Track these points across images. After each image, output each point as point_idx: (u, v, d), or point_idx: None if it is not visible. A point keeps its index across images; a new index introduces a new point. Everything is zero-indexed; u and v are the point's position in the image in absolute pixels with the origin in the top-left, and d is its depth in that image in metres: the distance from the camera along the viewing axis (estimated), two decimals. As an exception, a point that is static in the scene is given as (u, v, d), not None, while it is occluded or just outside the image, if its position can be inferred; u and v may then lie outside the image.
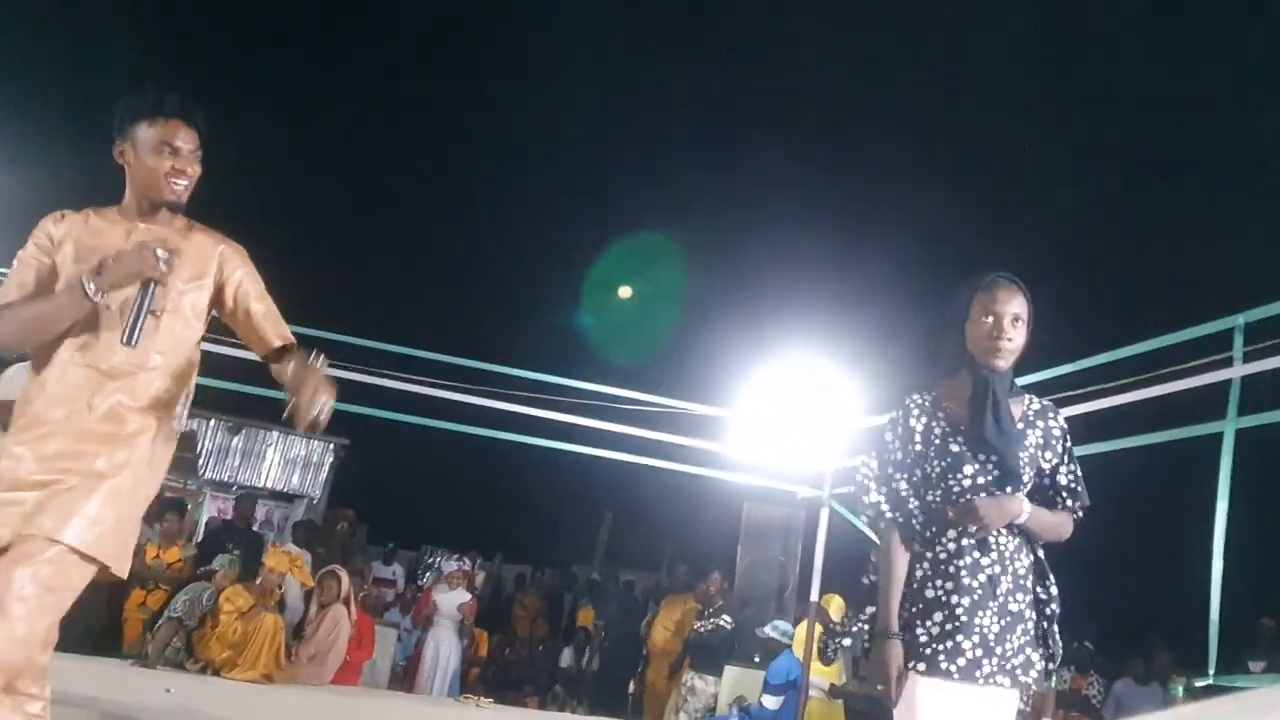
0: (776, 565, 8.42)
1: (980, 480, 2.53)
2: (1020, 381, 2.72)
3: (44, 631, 2.29)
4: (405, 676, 9.26)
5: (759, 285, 15.69)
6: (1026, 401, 2.67)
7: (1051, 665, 2.56)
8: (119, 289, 2.49)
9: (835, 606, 7.25)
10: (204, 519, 12.70)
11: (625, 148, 16.15)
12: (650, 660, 8.91)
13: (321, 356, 2.59)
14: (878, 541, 2.63)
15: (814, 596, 7.15)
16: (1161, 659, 8.41)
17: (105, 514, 2.38)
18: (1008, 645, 2.46)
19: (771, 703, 6.87)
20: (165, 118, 2.55)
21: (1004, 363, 2.58)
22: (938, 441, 2.58)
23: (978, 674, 2.42)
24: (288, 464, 14.29)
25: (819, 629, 7.05)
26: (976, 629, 2.44)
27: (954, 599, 2.47)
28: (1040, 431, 2.62)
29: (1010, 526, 2.53)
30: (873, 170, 15.04)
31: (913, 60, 14.81)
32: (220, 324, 2.80)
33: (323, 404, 2.45)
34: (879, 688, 2.48)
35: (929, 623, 2.47)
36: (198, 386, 2.76)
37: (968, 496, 2.52)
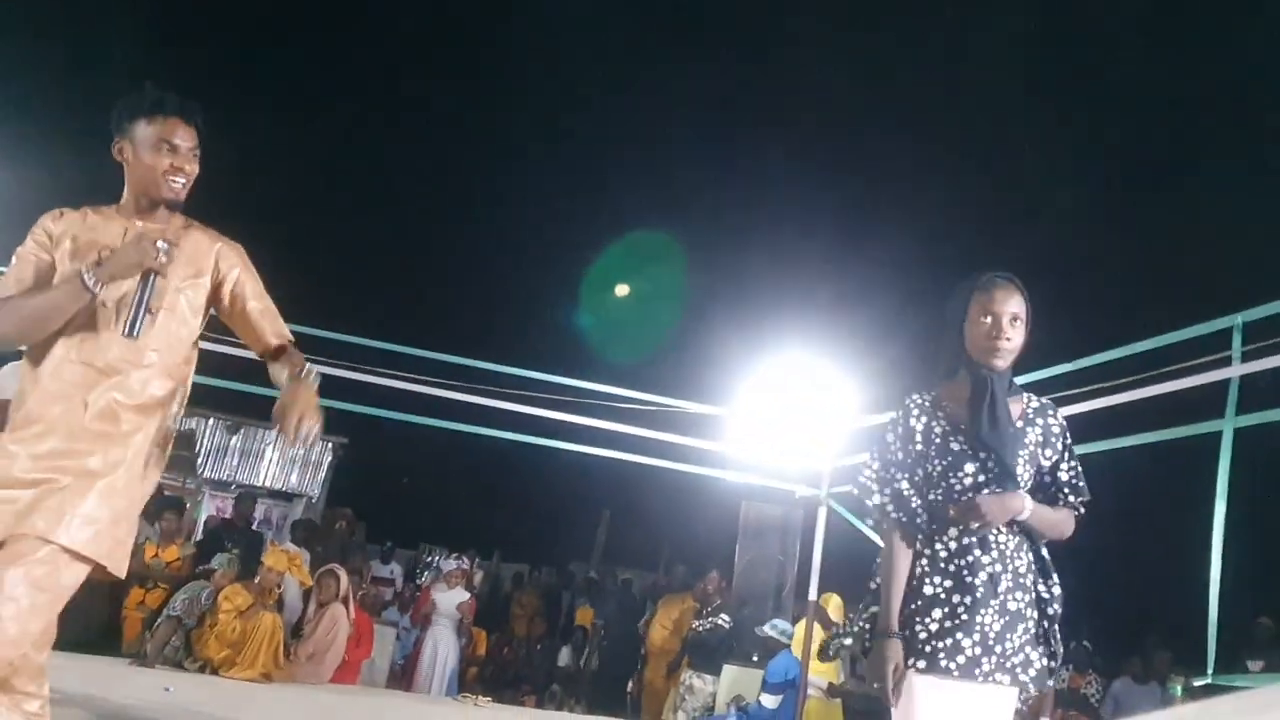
0: (774, 564, 8.42)
1: (981, 478, 2.54)
2: (1019, 381, 2.73)
3: (36, 631, 2.29)
4: (403, 675, 9.26)
5: (758, 284, 15.69)
6: (1025, 400, 2.68)
7: (1053, 664, 2.56)
8: (119, 280, 2.49)
9: (833, 605, 7.25)
10: (203, 518, 12.70)
11: (625, 148, 16.15)
12: (648, 659, 8.91)
13: (314, 372, 2.58)
14: (880, 543, 2.64)
15: (812, 595, 7.16)
16: (1160, 658, 8.42)
17: (100, 513, 2.37)
18: (1008, 644, 2.46)
19: (770, 701, 6.87)
20: (164, 115, 2.55)
21: (1003, 362, 2.59)
22: (938, 441, 2.59)
23: (977, 672, 2.43)
24: (286, 463, 14.27)
25: (822, 629, 7.06)
26: (977, 627, 2.45)
27: (954, 597, 2.47)
28: (1040, 429, 2.63)
29: (1011, 525, 2.54)
30: (872, 170, 15.03)
31: (913, 60, 14.80)
32: (219, 322, 2.80)
33: (307, 430, 2.43)
34: (876, 685, 2.49)
35: (928, 619, 2.47)
36: (197, 385, 2.76)
37: (969, 495, 2.53)
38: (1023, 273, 2.65)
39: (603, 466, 8.10)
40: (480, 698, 7.88)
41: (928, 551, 2.54)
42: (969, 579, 2.48)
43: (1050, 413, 2.68)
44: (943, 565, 2.51)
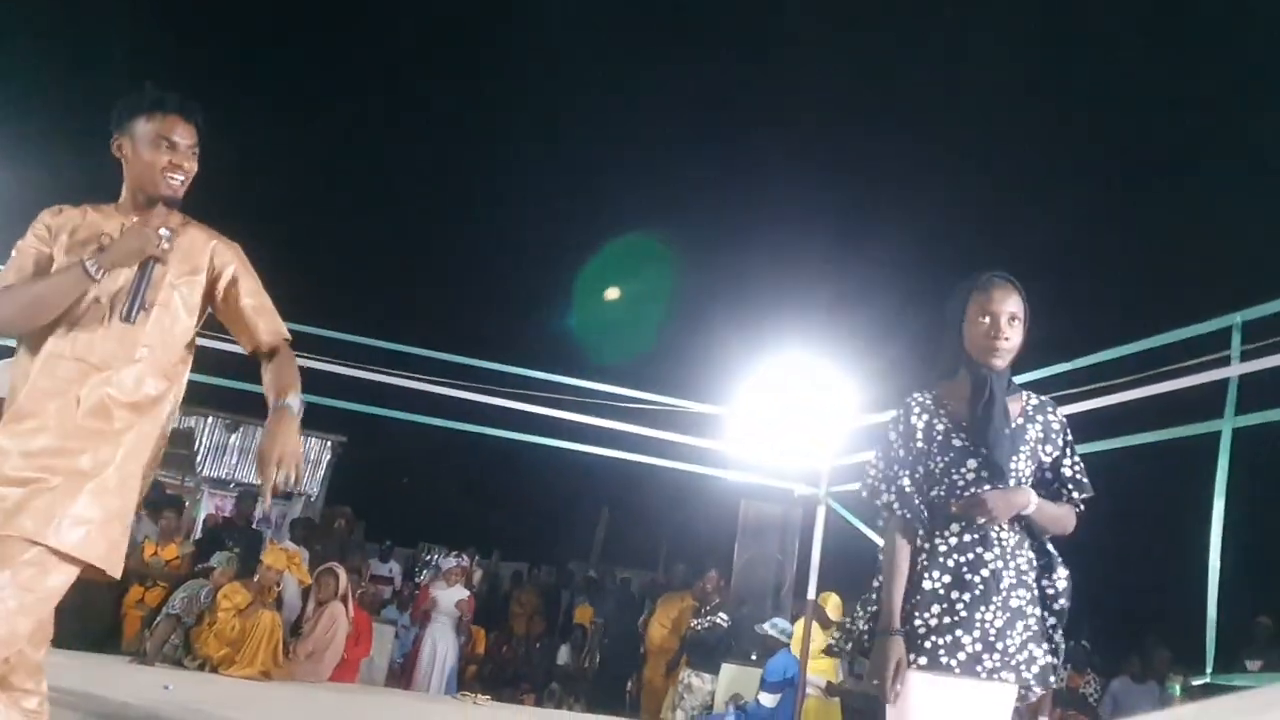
0: (773, 563, 8.42)
1: (983, 474, 2.55)
2: (1018, 380, 2.74)
3: (26, 632, 2.28)
4: (403, 673, 9.26)
5: (757, 284, 15.70)
6: (1024, 398, 2.69)
7: (1056, 660, 2.56)
8: (120, 267, 2.49)
9: (832, 604, 7.26)
10: (202, 516, 12.70)
11: (625, 148, 16.15)
12: (647, 658, 8.92)
13: (296, 396, 2.54)
14: (881, 541, 2.65)
15: (811, 594, 7.16)
16: (1159, 657, 8.42)
17: (91, 513, 2.35)
18: (1009, 641, 2.47)
19: (768, 700, 6.88)
20: (164, 113, 2.56)
21: (1001, 362, 2.60)
22: (940, 438, 2.60)
23: (979, 669, 2.43)
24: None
25: (821, 628, 7.06)
26: (977, 624, 2.45)
27: (954, 593, 2.48)
28: (1040, 426, 2.65)
29: (1013, 522, 2.55)
30: (872, 170, 15.04)
31: (913, 60, 14.81)
32: (219, 321, 2.79)
33: (286, 476, 2.42)
34: (874, 682, 2.49)
35: (926, 614, 2.48)
36: (196, 383, 2.75)
37: (971, 491, 2.54)
38: (1022, 273, 2.66)
39: (602, 465, 8.12)
40: (479, 696, 7.87)
41: (928, 547, 2.55)
42: (969, 576, 2.49)
43: (1050, 409, 2.70)
44: (942, 560, 2.52)
